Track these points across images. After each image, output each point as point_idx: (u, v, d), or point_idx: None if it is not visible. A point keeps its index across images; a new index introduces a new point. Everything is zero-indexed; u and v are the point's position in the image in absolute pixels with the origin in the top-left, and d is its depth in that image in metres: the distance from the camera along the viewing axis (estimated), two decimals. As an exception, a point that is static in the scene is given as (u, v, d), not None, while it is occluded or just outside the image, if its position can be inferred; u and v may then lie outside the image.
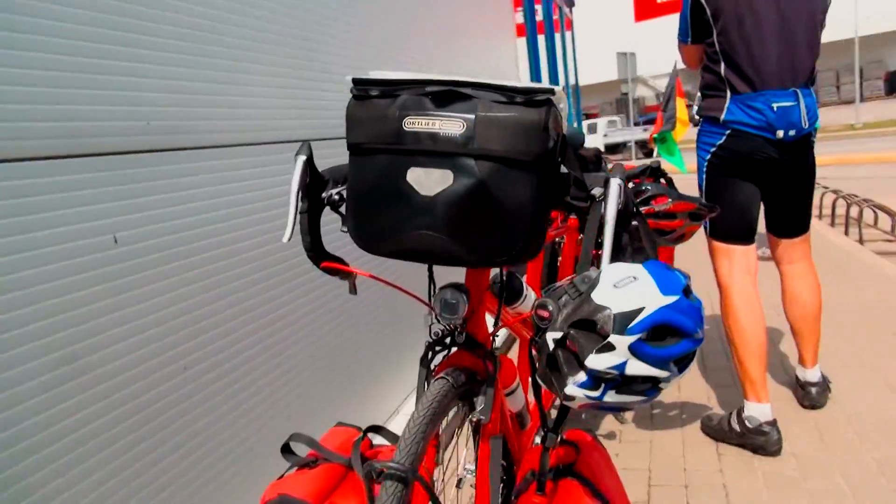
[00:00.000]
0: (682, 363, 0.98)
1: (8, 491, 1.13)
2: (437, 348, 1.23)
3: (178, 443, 1.54)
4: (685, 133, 4.06)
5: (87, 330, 1.32)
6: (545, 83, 1.00)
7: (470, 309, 1.18)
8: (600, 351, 0.91)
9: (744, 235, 2.43)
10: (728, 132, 2.35)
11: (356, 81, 1.06)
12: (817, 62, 2.36)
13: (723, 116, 2.35)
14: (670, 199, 1.89)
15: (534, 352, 1.02)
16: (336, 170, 1.22)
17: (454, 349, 1.25)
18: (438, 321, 1.22)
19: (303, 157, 1.14)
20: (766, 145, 2.30)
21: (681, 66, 3.15)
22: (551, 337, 0.95)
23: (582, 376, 0.94)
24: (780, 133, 2.26)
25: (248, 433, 1.77)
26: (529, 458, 1.32)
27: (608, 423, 2.70)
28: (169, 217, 1.56)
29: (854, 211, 6.61)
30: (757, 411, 2.34)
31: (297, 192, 1.13)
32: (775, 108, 2.25)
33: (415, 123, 0.99)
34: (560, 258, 2.61)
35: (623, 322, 0.90)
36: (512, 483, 1.41)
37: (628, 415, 2.72)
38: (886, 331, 3.34)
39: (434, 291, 1.19)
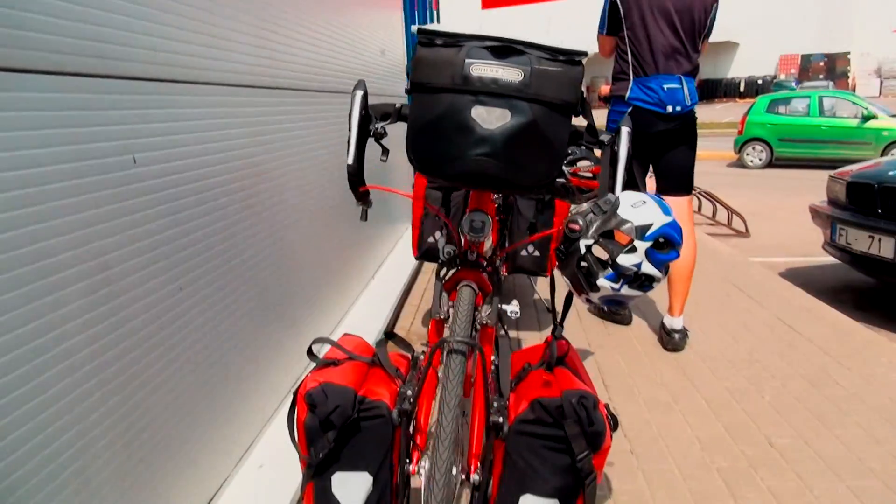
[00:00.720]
0: (666, 272, 1.30)
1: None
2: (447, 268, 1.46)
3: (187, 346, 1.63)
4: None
5: (114, 243, 1.39)
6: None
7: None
8: (627, 252, 1.20)
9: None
10: (630, 108, 2.92)
11: (421, 31, 1.26)
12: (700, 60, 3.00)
13: (627, 95, 2.94)
14: (591, 163, 2.24)
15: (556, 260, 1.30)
16: (378, 107, 1.40)
17: (461, 268, 1.50)
18: (452, 244, 1.46)
19: (360, 93, 1.32)
20: (658, 121, 2.93)
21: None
22: (584, 244, 1.23)
23: (608, 272, 1.23)
24: (669, 108, 2.91)
25: (258, 342, 1.89)
26: (520, 357, 1.60)
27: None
28: (182, 143, 1.63)
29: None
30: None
31: (357, 123, 1.30)
32: (665, 89, 2.89)
33: (479, 69, 1.22)
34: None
35: (641, 231, 1.21)
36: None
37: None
38: (721, 292, 4.02)
39: (457, 218, 1.42)
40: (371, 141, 1.41)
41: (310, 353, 1.47)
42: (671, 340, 3.16)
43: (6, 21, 1.09)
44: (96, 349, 1.32)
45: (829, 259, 4.53)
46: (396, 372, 1.48)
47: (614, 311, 3.40)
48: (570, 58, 1.25)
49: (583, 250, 1.25)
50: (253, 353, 2.10)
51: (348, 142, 1.34)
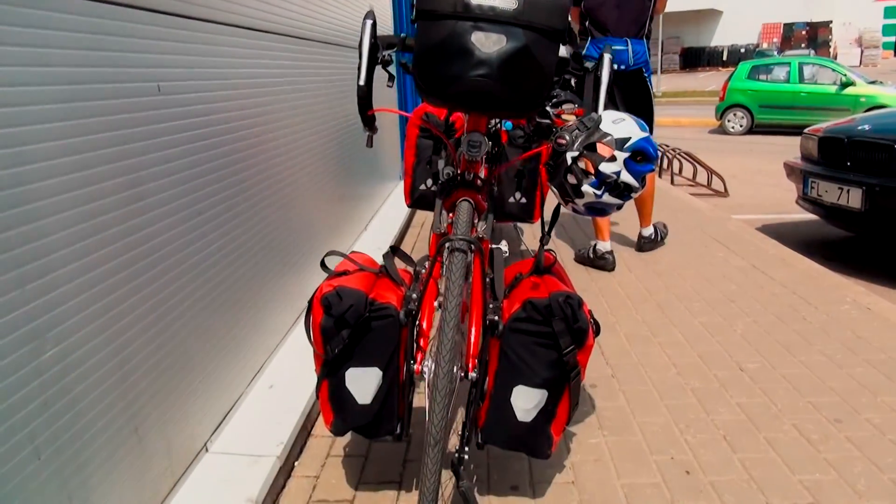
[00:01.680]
0: (643, 183, 1.45)
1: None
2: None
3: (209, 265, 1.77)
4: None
5: (146, 161, 1.52)
6: None
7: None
8: (607, 161, 1.35)
9: None
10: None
11: (428, -38, 1.39)
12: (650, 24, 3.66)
13: (583, 52, 3.13)
14: (574, 105, 2.38)
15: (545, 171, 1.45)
16: (384, 38, 1.53)
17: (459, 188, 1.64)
18: (451, 166, 1.60)
19: (370, 21, 1.44)
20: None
21: None
22: (570, 156, 1.38)
23: (591, 179, 1.38)
24: (615, 66, 3.29)
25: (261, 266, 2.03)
26: (512, 270, 1.75)
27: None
28: (202, 77, 1.76)
29: (665, 162, 7.77)
30: (602, 246, 3.71)
31: (368, 49, 1.44)
32: (612, 49, 3.26)
33: (482, -2, 1.35)
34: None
35: (620, 143, 1.36)
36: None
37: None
38: (699, 244, 4.20)
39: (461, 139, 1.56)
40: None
41: (323, 265, 1.61)
42: (642, 244, 4.03)
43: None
44: (130, 257, 1.46)
45: (804, 216, 4.75)
46: (402, 281, 1.64)
47: (599, 256, 3.64)
48: (560, -11, 1.38)
49: (569, 161, 1.40)
50: (258, 287, 2.24)
51: (359, 67, 1.47)
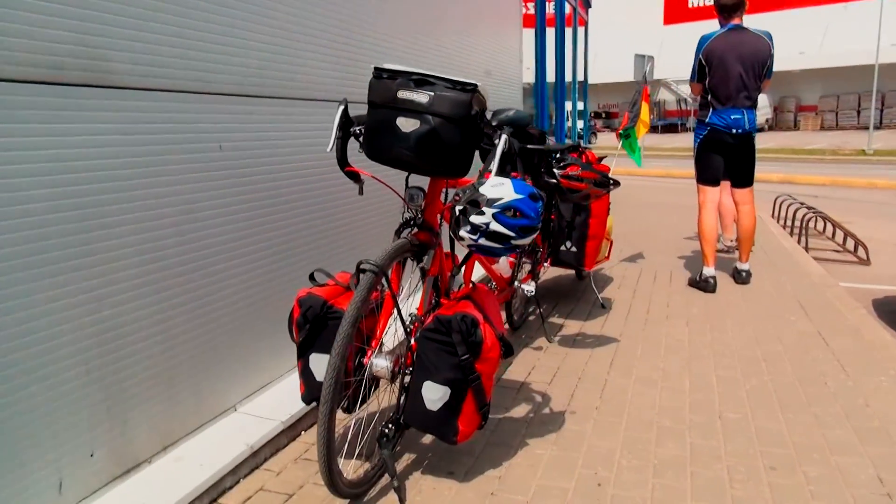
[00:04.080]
0: (524, 233, 1.88)
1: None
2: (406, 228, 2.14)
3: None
4: (645, 133, 4.92)
5: (201, 196, 2.22)
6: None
7: (426, 203, 2.09)
8: (477, 214, 1.81)
9: (713, 182, 4.73)
10: (709, 128, 4.56)
11: (376, 69, 1.96)
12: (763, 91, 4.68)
13: (707, 120, 4.57)
14: (580, 169, 2.78)
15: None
16: (359, 117, 2.12)
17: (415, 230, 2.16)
18: (409, 210, 2.13)
19: (342, 106, 2.04)
20: (726, 136, 4.51)
21: (623, 78, 5.15)
22: (457, 208, 1.86)
23: (467, 226, 1.85)
24: (733, 130, 4.48)
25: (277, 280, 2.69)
26: (456, 295, 2.22)
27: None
28: (253, 139, 2.47)
29: (814, 222, 7.48)
30: (707, 271, 4.60)
31: (338, 124, 2.03)
32: (731, 118, 4.47)
33: (404, 94, 1.89)
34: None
35: (490, 201, 1.81)
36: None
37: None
38: (779, 304, 4.22)
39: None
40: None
41: (311, 277, 2.21)
42: (739, 277, 4.77)
43: (149, 50, 1.96)
44: (182, 259, 2.16)
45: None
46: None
47: (703, 279, 4.61)
48: (464, 87, 1.88)
49: (457, 213, 1.87)
50: (292, 288, 2.89)
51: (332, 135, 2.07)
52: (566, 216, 3.64)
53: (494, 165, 1.92)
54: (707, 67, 4.48)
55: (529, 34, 7.09)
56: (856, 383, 2.99)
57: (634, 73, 16.42)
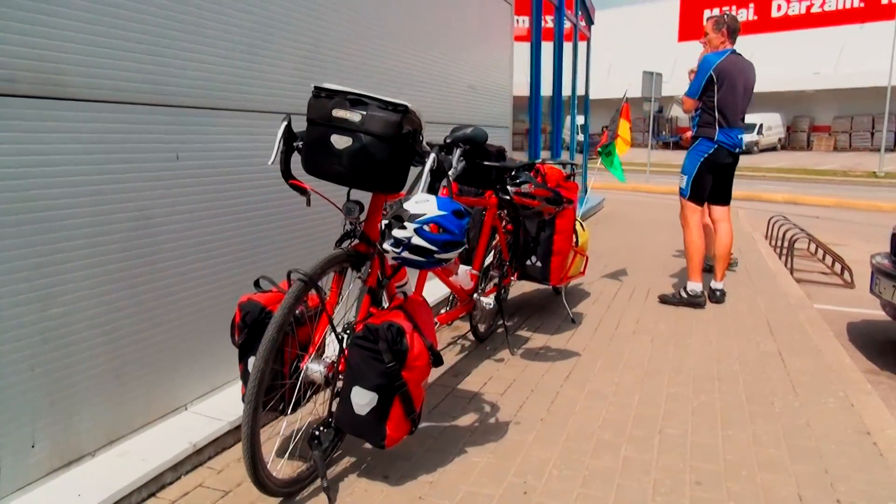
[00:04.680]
0: (447, 248, 1.97)
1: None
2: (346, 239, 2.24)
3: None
4: (627, 151, 5.02)
5: (160, 203, 2.34)
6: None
7: (368, 215, 2.19)
8: (399, 228, 1.91)
9: (702, 201, 4.81)
10: (715, 146, 4.64)
11: (315, 87, 2.07)
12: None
13: (715, 137, 4.64)
14: (533, 186, 2.87)
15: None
16: (302, 132, 2.22)
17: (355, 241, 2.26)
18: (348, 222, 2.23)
19: (285, 122, 2.15)
20: (728, 154, 4.69)
21: (631, 94, 4.96)
22: (384, 222, 1.95)
23: (391, 240, 1.94)
24: (736, 149, 4.68)
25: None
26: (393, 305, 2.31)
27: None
28: (208, 150, 2.58)
29: (807, 244, 7.52)
30: (694, 286, 4.70)
31: (280, 139, 2.14)
32: (737, 137, 4.68)
33: (338, 112, 2.00)
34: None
35: (413, 216, 1.91)
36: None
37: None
38: (747, 324, 4.27)
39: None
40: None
41: (256, 283, 2.31)
42: (714, 296, 4.85)
43: (112, 65, 2.08)
44: (131, 263, 2.27)
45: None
46: (304, 302, 2.28)
47: (692, 295, 4.71)
48: (395, 108, 1.98)
49: (382, 226, 1.97)
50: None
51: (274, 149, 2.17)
52: (531, 231, 3.73)
53: (422, 182, 2.02)
54: (717, 86, 4.58)
55: (527, 48, 7.18)
56: (802, 404, 3.04)
57: (643, 89, 16.57)
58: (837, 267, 6.80)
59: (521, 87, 7.07)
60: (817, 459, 2.51)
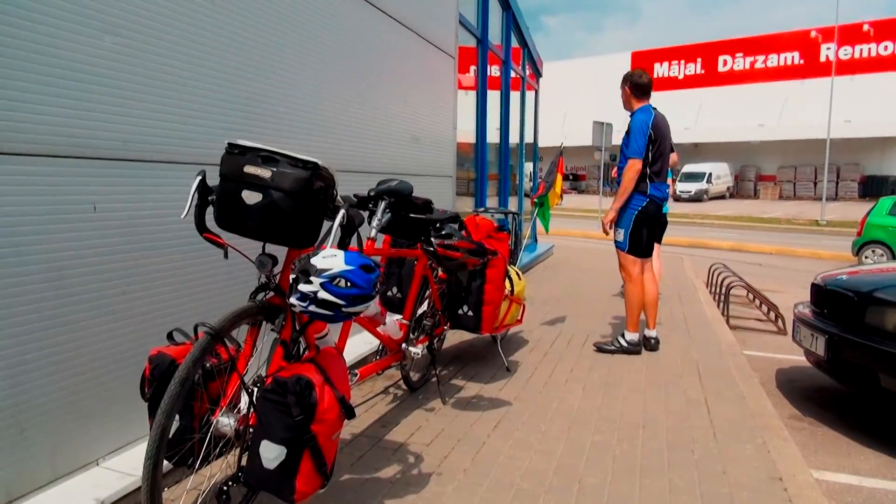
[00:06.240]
0: (355, 302, 2.01)
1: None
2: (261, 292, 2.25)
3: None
4: (558, 203, 5.19)
5: (75, 256, 2.32)
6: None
7: (283, 268, 2.22)
8: (305, 283, 1.94)
9: (647, 254, 4.89)
10: (647, 199, 4.72)
11: (229, 144, 2.11)
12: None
13: (648, 191, 4.73)
14: (455, 238, 2.94)
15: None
16: (215, 186, 2.25)
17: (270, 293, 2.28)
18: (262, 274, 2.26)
19: (199, 177, 2.18)
20: (659, 207, 4.84)
21: (567, 144, 5.45)
22: (291, 276, 1.98)
23: (297, 294, 1.97)
24: (664, 201, 4.93)
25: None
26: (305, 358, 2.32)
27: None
28: (130, 201, 2.59)
29: (742, 290, 7.74)
30: (632, 336, 4.87)
31: (194, 193, 2.16)
32: (666, 191, 4.89)
33: (249, 168, 2.04)
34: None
35: (319, 271, 1.94)
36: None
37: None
38: (675, 372, 4.37)
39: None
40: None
41: (169, 336, 2.30)
42: (649, 345, 4.98)
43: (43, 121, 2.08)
44: (47, 315, 2.24)
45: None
46: (216, 354, 2.27)
47: (631, 344, 4.89)
48: (305, 165, 2.04)
49: (290, 280, 2.00)
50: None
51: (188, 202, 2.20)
52: (463, 281, 3.79)
53: (330, 238, 2.06)
54: (653, 143, 4.64)
55: (472, 97, 7.37)
56: (721, 451, 3.11)
57: (593, 138, 17.05)
58: (772, 314, 7.01)
59: (470, 135, 7.25)
60: (727, 507, 2.57)
